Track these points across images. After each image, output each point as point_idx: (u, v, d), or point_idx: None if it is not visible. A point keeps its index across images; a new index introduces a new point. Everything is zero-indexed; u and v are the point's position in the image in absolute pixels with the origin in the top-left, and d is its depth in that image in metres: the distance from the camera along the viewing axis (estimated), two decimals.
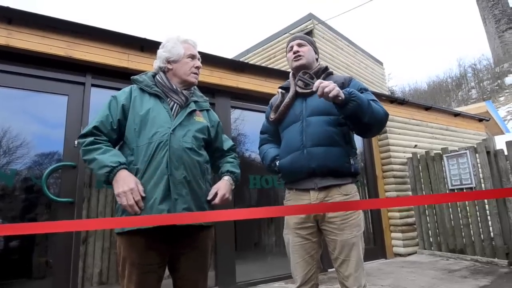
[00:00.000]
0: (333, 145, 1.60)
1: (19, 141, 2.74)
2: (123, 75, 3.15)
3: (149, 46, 3.29)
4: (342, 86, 1.69)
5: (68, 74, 2.97)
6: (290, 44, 1.86)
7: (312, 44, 1.87)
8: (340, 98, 1.44)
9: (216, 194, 1.58)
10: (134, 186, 1.39)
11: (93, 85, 3.07)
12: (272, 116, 1.81)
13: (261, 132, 1.97)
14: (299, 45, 1.82)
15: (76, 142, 1.52)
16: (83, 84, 3.02)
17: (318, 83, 1.46)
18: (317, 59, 1.88)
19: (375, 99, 1.65)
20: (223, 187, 1.61)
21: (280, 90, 1.89)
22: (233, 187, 1.70)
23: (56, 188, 2.79)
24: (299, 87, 1.72)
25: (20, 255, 2.63)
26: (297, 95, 1.75)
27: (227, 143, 1.82)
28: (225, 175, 1.69)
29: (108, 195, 3.00)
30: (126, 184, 1.38)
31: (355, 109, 1.47)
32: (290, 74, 1.88)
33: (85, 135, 1.50)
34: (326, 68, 1.83)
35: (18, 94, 2.80)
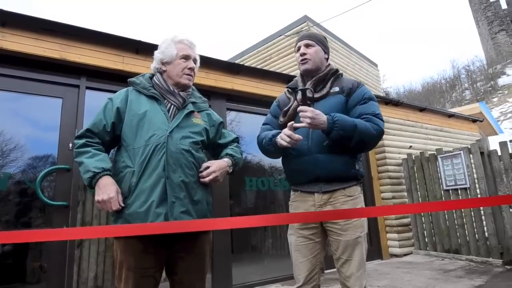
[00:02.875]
0: (339, 152, 1.59)
1: (13, 144, 2.72)
2: (118, 78, 3.14)
3: (144, 48, 3.29)
4: (349, 92, 1.68)
5: (62, 76, 2.95)
6: (298, 44, 1.79)
7: (321, 43, 1.79)
8: (322, 126, 1.49)
9: (207, 168, 1.56)
10: (114, 195, 1.39)
11: (87, 88, 3.05)
12: (281, 119, 1.79)
13: (264, 124, 1.91)
14: (307, 45, 1.75)
15: (74, 141, 1.54)
16: (77, 86, 3.00)
17: (300, 110, 1.51)
18: (327, 59, 1.81)
19: (376, 111, 1.64)
20: (216, 164, 1.59)
21: (287, 90, 1.86)
22: (230, 170, 1.68)
23: (51, 192, 2.76)
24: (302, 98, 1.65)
25: (14, 260, 2.60)
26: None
27: (230, 137, 1.81)
28: (224, 157, 1.69)
29: None
30: (106, 192, 1.38)
31: (339, 136, 1.50)
32: (298, 74, 1.85)
33: (79, 137, 1.52)
34: (336, 71, 1.77)
35: (11, 97, 2.77)
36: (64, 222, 2.71)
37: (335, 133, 1.49)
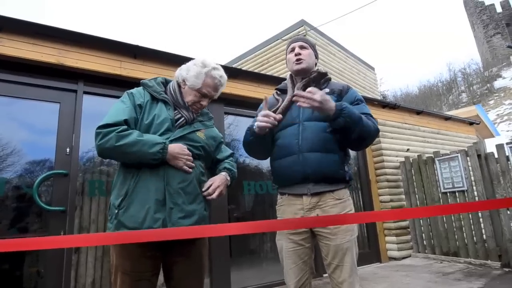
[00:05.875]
0: (329, 151, 1.59)
1: (10, 149, 2.71)
2: (116, 82, 3.14)
3: (142, 53, 3.29)
4: (340, 94, 1.69)
5: (60, 81, 2.95)
6: (292, 46, 1.80)
7: (313, 48, 1.82)
8: (330, 111, 1.46)
9: (210, 186, 1.57)
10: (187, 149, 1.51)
11: (85, 93, 3.04)
12: None
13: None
14: (301, 47, 1.76)
15: (99, 130, 1.43)
16: (75, 91, 3.00)
17: (309, 91, 1.46)
18: (316, 64, 1.83)
19: (369, 112, 1.66)
20: (218, 179, 1.61)
21: (276, 91, 1.87)
22: (229, 183, 1.70)
23: (48, 197, 2.75)
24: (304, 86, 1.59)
25: (10, 265, 2.58)
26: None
27: (226, 153, 1.83)
28: (222, 171, 1.71)
29: (100, 203, 2.97)
30: (182, 148, 1.49)
31: (345, 124, 1.48)
32: (288, 76, 1.84)
33: (114, 125, 1.43)
34: (325, 74, 1.77)
35: (9, 102, 2.77)
36: (62, 227, 2.70)
37: (341, 121, 1.47)
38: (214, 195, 1.56)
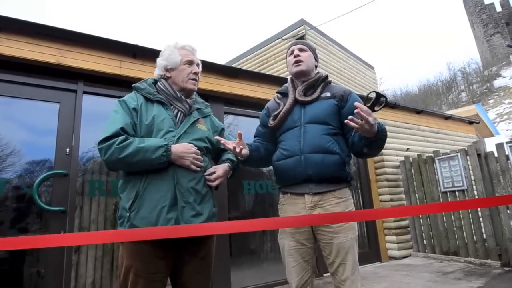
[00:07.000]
0: (331, 153, 1.61)
1: (10, 149, 2.70)
2: (115, 82, 3.13)
3: (141, 53, 3.29)
4: (342, 98, 1.71)
5: (59, 81, 2.94)
6: (291, 48, 1.84)
7: (313, 51, 1.86)
8: (373, 131, 1.42)
9: (213, 173, 1.59)
10: (193, 147, 1.51)
11: (85, 92, 3.04)
12: (271, 122, 1.79)
13: (254, 136, 1.95)
14: (300, 50, 1.80)
15: (100, 146, 1.43)
16: (75, 91, 3.00)
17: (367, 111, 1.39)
18: (316, 67, 1.86)
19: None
20: (221, 170, 1.63)
21: (277, 95, 1.89)
22: (231, 174, 1.73)
23: (48, 197, 2.74)
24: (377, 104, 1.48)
25: (10, 265, 2.58)
26: (296, 102, 1.76)
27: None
28: (225, 162, 1.73)
29: (100, 203, 2.97)
30: (187, 147, 1.48)
31: (379, 146, 1.53)
32: (289, 79, 1.87)
33: (113, 136, 1.42)
34: (326, 77, 1.81)
35: (8, 102, 2.76)
36: (62, 227, 2.69)
37: (379, 140, 1.49)
38: (214, 184, 1.58)
